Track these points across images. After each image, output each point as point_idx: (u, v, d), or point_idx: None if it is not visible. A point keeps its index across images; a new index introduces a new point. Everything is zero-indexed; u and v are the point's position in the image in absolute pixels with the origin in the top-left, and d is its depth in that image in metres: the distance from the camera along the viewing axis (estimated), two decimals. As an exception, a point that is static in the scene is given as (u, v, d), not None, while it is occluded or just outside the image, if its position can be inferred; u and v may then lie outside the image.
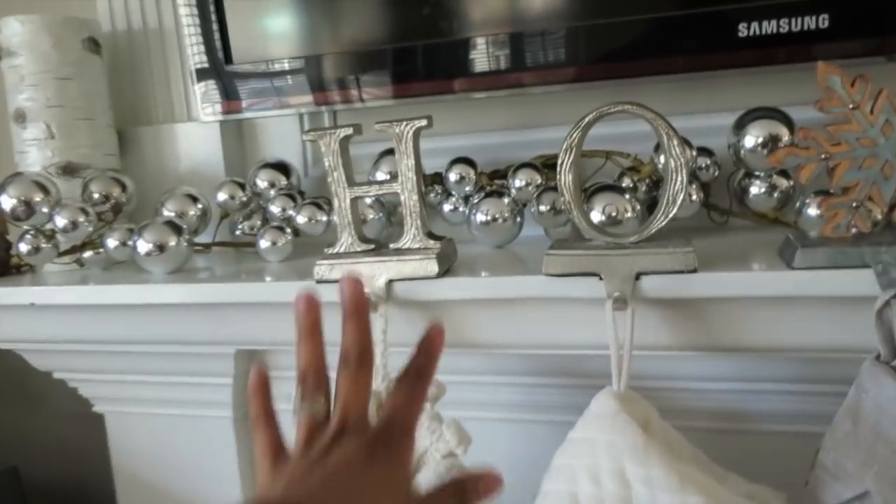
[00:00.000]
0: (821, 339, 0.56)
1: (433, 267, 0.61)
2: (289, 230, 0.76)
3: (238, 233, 0.83)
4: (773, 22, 0.63)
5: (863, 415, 0.51)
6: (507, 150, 0.79)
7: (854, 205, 0.55)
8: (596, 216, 0.65)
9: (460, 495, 0.45)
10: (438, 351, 0.48)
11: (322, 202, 0.77)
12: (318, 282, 0.64)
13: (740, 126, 0.67)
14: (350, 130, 0.62)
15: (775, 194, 0.69)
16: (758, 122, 0.66)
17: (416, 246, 0.63)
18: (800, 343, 0.57)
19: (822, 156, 0.55)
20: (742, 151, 0.67)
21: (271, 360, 0.83)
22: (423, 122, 0.61)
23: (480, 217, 0.72)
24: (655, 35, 0.67)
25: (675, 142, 0.56)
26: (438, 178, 0.77)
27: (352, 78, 0.76)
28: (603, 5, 0.68)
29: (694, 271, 0.56)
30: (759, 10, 0.62)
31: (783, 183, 0.69)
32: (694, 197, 0.69)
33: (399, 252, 0.63)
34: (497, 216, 0.72)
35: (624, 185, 0.70)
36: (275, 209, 0.79)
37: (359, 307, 0.48)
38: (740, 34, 0.64)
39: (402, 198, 0.62)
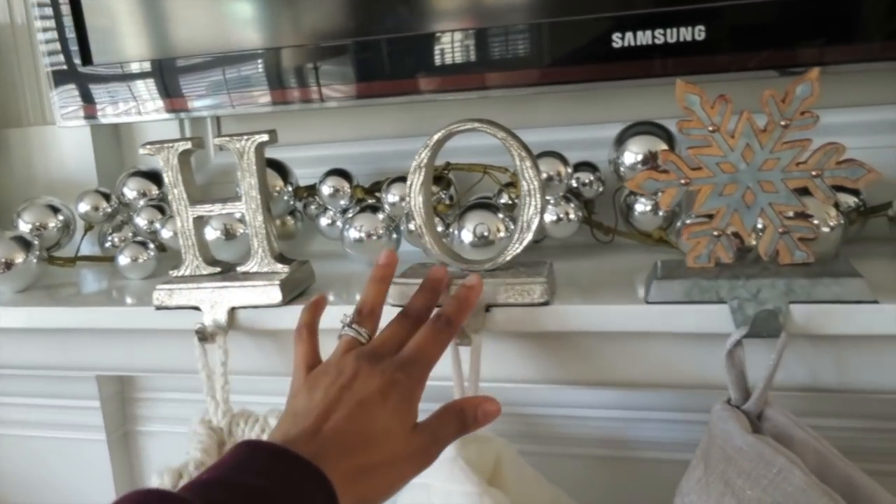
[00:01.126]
0: (679, 375, 0.53)
1: (276, 294, 0.56)
2: (153, 245, 0.71)
3: (108, 245, 0.77)
4: (648, 33, 0.59)
5: (712, 462, 0.48)
6: (403, 158, 0.75)
7: (715, 233, 0.51)
8: (467, 236, 0.62)
9: (461, 418, 0.46)
10: (472, 303, 0.50)
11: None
12: (158, 308, 0.59)
13: (620, 141, 0.63)
14: (189, 144, 0.57)
15: (660, 212, 0.65)
16: (637, 137, 0.62)
17: (264, 270, 0.58)
18: (657, 379, 0.53)
19: (683, 180, 0.51)
20: (622, 168, 0.63)
21: (142, 381, 0.78)
22: (265, 138, 0.56)
23: (353, 234, 0.67)
24: (527, 44, 0.62)
25: (529, 163, 0.52)
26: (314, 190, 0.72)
27: (201, 83, 0.71)
28: (486, 12, 0.63)
29: (546, 304, 0.52)
30: (631, 20, 0.58)
31: (667, 201, 0.65)
32: (572, 216, 0.65)
33: (245, 277, 0.58)
34: (371, 233, 0.67)
35: (503, 201, 0.66)
36: (140, 222, 0.73)
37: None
38: (615, 45, 0.60)
39: (246, 218, 0.58)
